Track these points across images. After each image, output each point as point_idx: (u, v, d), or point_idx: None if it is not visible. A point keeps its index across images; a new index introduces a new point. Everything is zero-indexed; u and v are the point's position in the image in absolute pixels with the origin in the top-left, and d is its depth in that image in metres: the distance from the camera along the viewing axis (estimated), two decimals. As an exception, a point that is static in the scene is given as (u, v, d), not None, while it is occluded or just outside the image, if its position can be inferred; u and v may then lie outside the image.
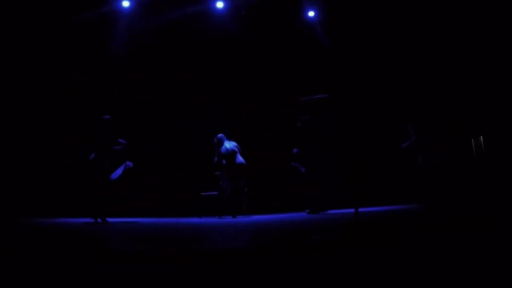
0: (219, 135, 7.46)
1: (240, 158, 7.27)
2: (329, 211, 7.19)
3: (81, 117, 8.70)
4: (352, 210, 6.66)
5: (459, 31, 8.34)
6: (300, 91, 8.58)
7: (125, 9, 8.56)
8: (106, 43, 8.67)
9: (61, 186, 8.23)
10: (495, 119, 8.11)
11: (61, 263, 2.25)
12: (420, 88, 9.02)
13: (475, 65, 8.31)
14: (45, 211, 7.53)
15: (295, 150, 7.43)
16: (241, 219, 6.68)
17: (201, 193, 7.56)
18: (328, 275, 1.96)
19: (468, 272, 1.85)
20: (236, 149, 7.29)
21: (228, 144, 7.33)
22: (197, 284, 1.89)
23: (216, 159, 7.28)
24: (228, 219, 6.67)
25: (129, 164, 6.43)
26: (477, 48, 8.23)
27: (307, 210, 7.08)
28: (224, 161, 7.19)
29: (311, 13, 9.19)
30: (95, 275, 2.04)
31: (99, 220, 6.09)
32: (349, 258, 2.28)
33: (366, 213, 6.25)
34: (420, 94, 9.05)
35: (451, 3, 8.21)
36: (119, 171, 6.30)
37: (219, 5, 8.82)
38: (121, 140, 6.40)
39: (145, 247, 2.96)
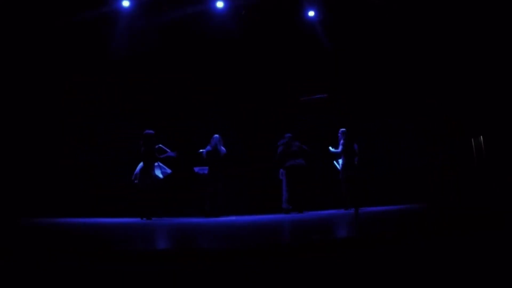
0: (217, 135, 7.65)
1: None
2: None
3: (81, 117, 8.71)
4: (352, 210, 6.66)
5: (459, 31, 8.34)
6: (300, 91, 8.58)
7: (125, 9, 8.56)
8: (106, 43, 8.66)
9: (61, 186, 8.24)
10: (495, 119, 8.10)
11: (61, 263, 2.25)
12: (420, 88, 9.02)
13: (475, 65, 8.30)
14: (45, 211, 7.53)
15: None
16: (239, 219, 6.68)
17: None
18: (328, 275, 1.96)
19: (468, 272, 1.85)
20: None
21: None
22: (197, 284, 1.89)
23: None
24: (228, 219, 6.67)
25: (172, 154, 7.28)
26: (477, 48, 8.23)
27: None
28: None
29: (311, 13, 9.18)
30: (95, 275, 2.04)
31: (145, 219, 6.70)
32: (349, 258, 2.28)
33: (366, 213, 6.24)
34: (420, 94, 9.06)
35: (451, 3, 8.20)
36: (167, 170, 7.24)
37: (219, 5, 8.82)
38: (162, 146, 7.18)
39: (145, 247, 2.96)
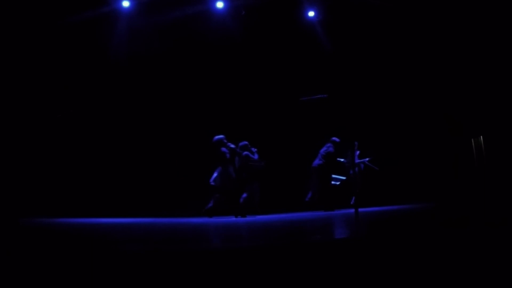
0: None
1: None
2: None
3: (81, 117, 8.70)
4: (352, 210, 6.66)
5: (459, 31, 8.33)
6: (300, 91, 8.58)
7: (125, 9, 8.54)
8: (106, 43, 8.64)
9: (61, 186, 8.23)
10: (495, 119, 8.10)
11: (61, 263, 2.25)
12: (420, 88, 9.02)
13: (475, 65, 8.30)
14: (45, 211, 7.52)
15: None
16: (239, 219, 6.69)
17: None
18: (328, 275, 1.96)
19: (468, 272, 1.85)
20: None
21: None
22: (197, 284, 1.89)
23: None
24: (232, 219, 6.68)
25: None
26: (477, 48, 8.22)
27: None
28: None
29: (311, 13, 9.18)
30: (95, 275, 2.04)
31: (239, 217, 7.10)
32: (349, 258, 2.28)
33: (366, 213, 6.25)
34: (420, 94, 9.06)
35: (451, 3, 8.20)
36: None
37: (219, 5, 8.82)
38: (231, 145, 7.52)
39: (145, 247, 2.96)
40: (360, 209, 6.60)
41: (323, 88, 8.26)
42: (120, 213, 7.58)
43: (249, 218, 6.73)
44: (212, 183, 7.36)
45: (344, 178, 8.43)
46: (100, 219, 6.80)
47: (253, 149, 7.82)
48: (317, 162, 8.16)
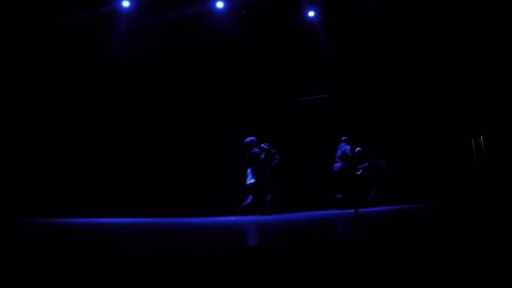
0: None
1: None
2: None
3: (81, 117, 8.71)
4: (352, 210, 6.66)
5: (459, 32, 8.34)
6: (300, 91, 8.59)
7: (125, 9, 8.54)
8: (106, 43, 8.64)
9: (61, 186, 8.23)
10: (495, 119, 8.10)
11: (61, 263, 2.25)
12: (420, 88, 9.02)
13: (475, 65, 8.30)
14: (45, 211, 7.52)
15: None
16: (239, 219, 6.69)
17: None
18: (329, 274, 1.96)
19: (468, 271, 1.85)
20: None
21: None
22: (197, 284, 1.89)
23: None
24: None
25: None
26: (477, 48, 8.23)
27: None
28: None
29: (311, 13, 9.19)
30: (95, 275, 2.04)
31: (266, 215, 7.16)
32: (348, 258, 2.28)
33: (367, 213, 6.25)
34: (420, 94, 9.06)
35: (451, 4, 8.20)
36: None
37: (219, 5, 8.82)
38: (264, 146, 7.65)
39: (145, 247, 2.96)
40: (360, 210, 6.63)
41: (323, 88, 8.31)
42: (120, 213, 7.58)
43: (249, 218, 6.74)
44: (248, 184, 7.48)
45: (366, 164, 8.53)
46: (100, 219, 6.80)
47: (272, 150, 7.90)
48: (338, 165, 8.24)
